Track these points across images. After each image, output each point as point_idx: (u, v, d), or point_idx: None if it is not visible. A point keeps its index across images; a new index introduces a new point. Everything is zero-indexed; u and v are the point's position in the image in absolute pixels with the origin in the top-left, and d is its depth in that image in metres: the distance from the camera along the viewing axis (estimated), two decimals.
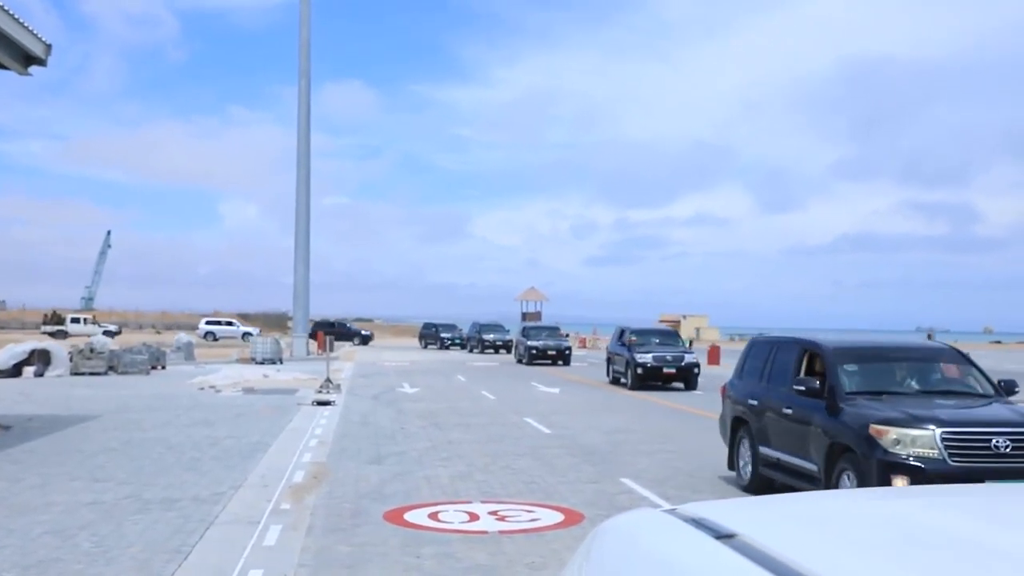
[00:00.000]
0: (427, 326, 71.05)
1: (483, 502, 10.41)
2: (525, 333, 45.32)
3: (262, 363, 37.00)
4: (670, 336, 31.59)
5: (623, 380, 29.26)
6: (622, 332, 31.06)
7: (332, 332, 71.23)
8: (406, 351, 60.81)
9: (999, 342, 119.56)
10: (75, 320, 73.42)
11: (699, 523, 1.51)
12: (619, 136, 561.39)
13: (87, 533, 8.68)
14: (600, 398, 25.19)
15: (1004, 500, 1.74)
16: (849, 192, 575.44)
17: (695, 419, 19.86)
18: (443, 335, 64.87)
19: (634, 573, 1.47)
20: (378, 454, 13.97)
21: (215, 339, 68.72)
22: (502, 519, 9.54)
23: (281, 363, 38.11)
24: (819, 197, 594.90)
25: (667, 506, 1.72)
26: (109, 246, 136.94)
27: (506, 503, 10.40)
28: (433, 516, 9.63)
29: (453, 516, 9.64)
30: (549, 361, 42.41)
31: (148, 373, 31.37)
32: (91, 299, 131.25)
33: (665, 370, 28.16)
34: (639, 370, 28.15)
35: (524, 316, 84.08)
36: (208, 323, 73.79)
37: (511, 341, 51.42)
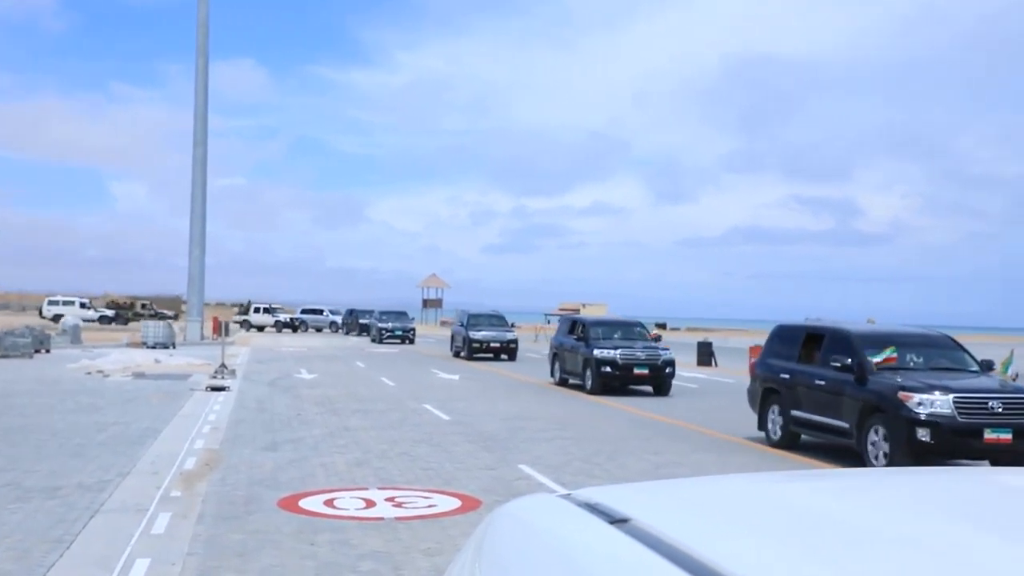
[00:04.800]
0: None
1: (380, 489, 10.34)
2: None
3: (154, 347, 36.01)
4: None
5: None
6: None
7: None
8: (304, 337, 59.99)
9: None
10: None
11: (593, 508, 1.51)
12: (515, 124, 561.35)
13: None
14: (499, 384, 25.28)
15: (891, 484, 1.79)
16: (739, 185, 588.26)
17: (591, 406, 20.12)
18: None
19: (529, 557, 1.46)
20: (273, 441, 13.74)
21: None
22: (399, 505, 9.50)
23: (174, 347, 37.13)
24: (710, 189, 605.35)
25: (562, 491, 1.72)
26: None
27: (403, 489, 10.35)
28: (329, 503, 9.52)
29: (349, 503, 9.55)
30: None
31: (31, 357, 30.23)
32: None
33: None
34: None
35: (425, 303, 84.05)
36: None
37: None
